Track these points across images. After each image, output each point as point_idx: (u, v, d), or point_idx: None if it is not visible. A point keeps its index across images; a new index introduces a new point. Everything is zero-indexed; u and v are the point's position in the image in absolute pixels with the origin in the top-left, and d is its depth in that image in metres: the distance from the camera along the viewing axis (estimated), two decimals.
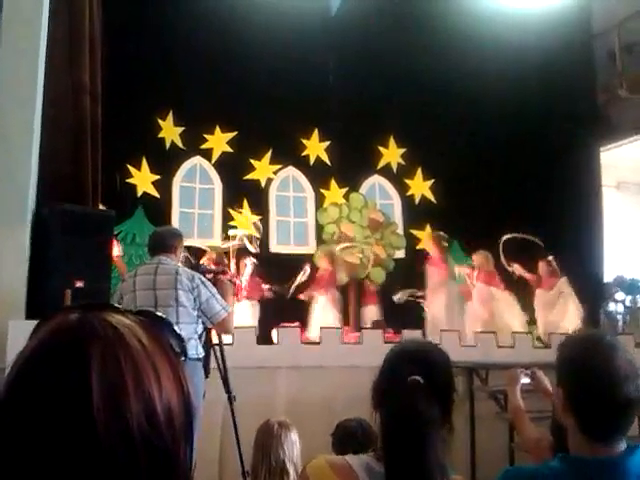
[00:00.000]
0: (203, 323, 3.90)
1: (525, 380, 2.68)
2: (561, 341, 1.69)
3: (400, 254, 9.70)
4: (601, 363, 1.53)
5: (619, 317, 9.56)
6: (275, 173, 9.58)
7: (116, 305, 0.72)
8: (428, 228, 9.81)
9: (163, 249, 4.05)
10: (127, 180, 8.59)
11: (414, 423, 1.40)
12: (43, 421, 0.60)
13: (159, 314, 0.75)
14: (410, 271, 9.18)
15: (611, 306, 9.56)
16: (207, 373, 4.01)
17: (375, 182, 10.07)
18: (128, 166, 8.61)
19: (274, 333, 6.47)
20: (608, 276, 9.83)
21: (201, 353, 3.89)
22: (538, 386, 2.67)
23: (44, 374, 0.62)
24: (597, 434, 1.55)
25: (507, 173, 9.25)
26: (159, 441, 0.63)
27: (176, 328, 0.75)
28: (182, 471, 0.66)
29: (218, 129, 9.24)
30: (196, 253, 7.86)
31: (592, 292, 9.20)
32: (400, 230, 9.93)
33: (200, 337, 3.96)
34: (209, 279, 4.07)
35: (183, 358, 0.72)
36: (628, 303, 9.62)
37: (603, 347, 1.56)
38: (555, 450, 2.10)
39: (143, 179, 8.74)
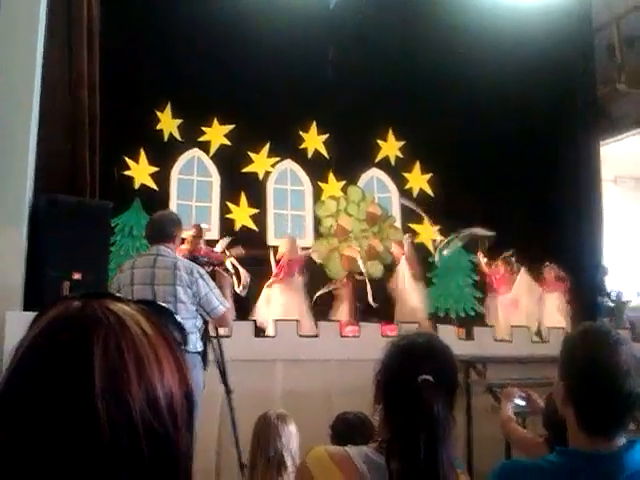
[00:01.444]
0: (201, 315, 3.89)
1: (520, 402, 2.73)
2: (566, 334, 1.68)
3: None
4: (605, 357, 1.52)
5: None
6: (273, 166, 9.55)
7: (117, 294, 0.72)
8: (426, 221, 9.82)
9: (162, 238, 3.93)
10: (124, 172, 8.56)
11: (430, 424, 1.40)
12: (45, 407, 0.60)
13: (161, 304, 0.75)
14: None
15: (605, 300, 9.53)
16: (205, 366, 4.01)
17: (373, 175, 10.06)
18: (126, 158, 8.57)
19: (271, 326, 6.47)
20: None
21: (200, 347, 3.88)
22: (533, 408, 2.71)
23: (46, 360, 0.62)
24: (597, 428, 1.54)
25: (506, 167, 9.25)
26: (160, 427, 0.63)
27: (177, 317, 0.75)
28: (183, 458, 0.66)
29: (216, 121, 9.21)
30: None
31: (591, 286, 9.23)
32: (398, 224, 9.93)
33: (199, 331, 3.95)
34: (207, 271, 4.05)
35: (184, 347, 0.72)
36: (613, 297, 9.61)
37: (608, 341, 1.56)
38: (551, 444, 2.11)
39: (141, 171, 8.71)
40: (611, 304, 9.29)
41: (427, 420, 1.40)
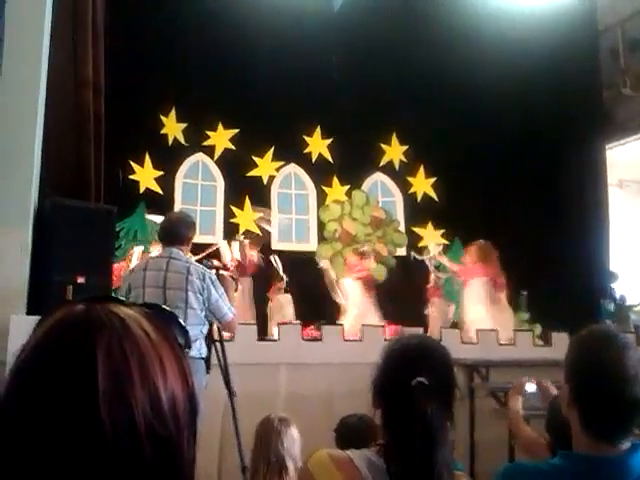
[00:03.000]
0: (207, 317, 3.88)
1: (532, 388, 2.66)
2: (574, 337, 1.67)
3: (401, 252, 9.70)
4: (611, 361, 1.51)
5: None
6: (277, 170, 9.57)
7: (120, 298, 0.72)
8: (430, 226, 9.82)
9: (176, 240, 3.89)
10: (129, 176, 8.58)
11: (423, 427, 1.40)
12: (48, 409, 0.61)
13: (164, 307, 0.75)
14: (411, 269, 9.20)
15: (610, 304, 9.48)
16: (208, 369, 4.01)
17: (377, 179, 10.06)
18: (131, 162, 8.60)
19: (275, 330, 6.48)
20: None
21: (205, 353, 3.87)
22: (545, 394, 2.65)
23: (50, 362, 0.63)
24: (601, 432, 1.53)
25: (510, 171, 9.24)
26: (163, 430, 0.64)
27: (181, 321, 0.76)
28: (186, 461, 0.66)
29: (221, 126, 9.23)
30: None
31: (596, 290, 9.21)
32: (402, 228, 9.93)
33: (205, 336, 3.95)
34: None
35: (187, 350, 0.73)
36: (617, 300, 9.55)
37: (616, 345, 1.55)
38: (553, 448, 2.10)
39: (145, 175, 8.73)
40: (612, 307, 9.25)
41: (421, 423, 1.40)
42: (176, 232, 3.96)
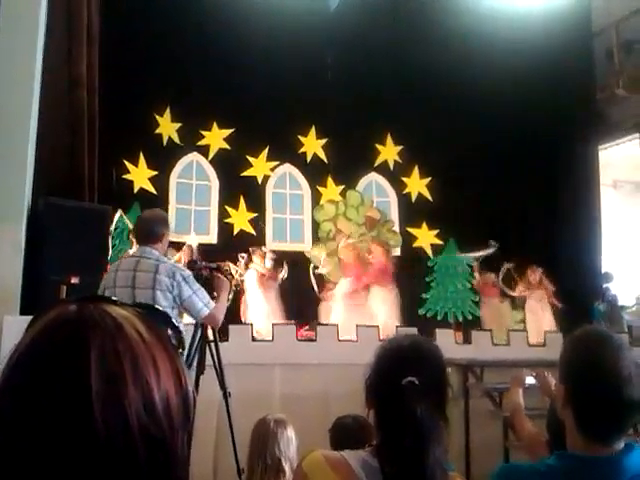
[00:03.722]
0: (179, 314, 3.86)
1: (531, 380, 2.65)
2: (569, 337, 1.66)
3: (396, 252, 9.71)
4: (607, 362, 1.51)
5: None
6: (272, 170, 9.56)
7: (113, 298, 0.72)
8: (424, 226, 9.83)
9: (149, 239, 3.85)
10: (124, 176, 8.56)
11: (413, 427, 1.40)
12: (41, 409, 0.60)
13: (157, 307, 0.75)
14: (405, 269, 9.20)
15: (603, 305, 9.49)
16: (202, 370, 4.00)
17: (372, 180, 10.06)
18: (125, 162, 8.58)
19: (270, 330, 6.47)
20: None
21: (180, 350, 3.85)
22: (544, 386, 2.63)
23: (43, 363, 0.62)
24: (596, 433, 1.53)
25: (505, 171, 9.26)
26: (156, 430, 0.63)
27: (174, 321, 0.75)
28: (179, 461, 0.66)
29: (215, 125, 9.22)
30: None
31: (589, 290, 9.23)
32: (396, 228, 9.94)
33: (195, 335, 3.94)
34: (205, 275, 4.02)
35: (180, 350, 0.72)
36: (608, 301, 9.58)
37: (611, 345, 1.55)
38: (552, 448, 2.10)
39: (140, 175, 8.71)
40: (605, 308, 9.26)
41: (411, 423, 1.39)
42: (149, 230, 3.91)
